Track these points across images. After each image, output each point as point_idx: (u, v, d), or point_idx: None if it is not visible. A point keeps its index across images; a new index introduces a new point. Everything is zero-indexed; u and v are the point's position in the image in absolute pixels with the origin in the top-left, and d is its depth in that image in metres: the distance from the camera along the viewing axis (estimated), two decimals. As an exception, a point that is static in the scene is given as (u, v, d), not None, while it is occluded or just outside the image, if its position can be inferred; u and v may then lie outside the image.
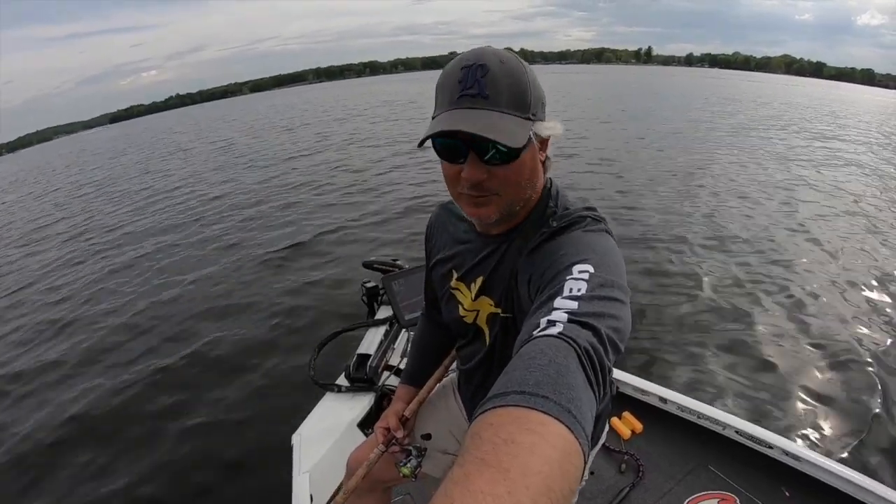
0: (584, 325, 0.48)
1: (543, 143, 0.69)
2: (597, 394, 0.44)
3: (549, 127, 0.66)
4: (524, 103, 0.62)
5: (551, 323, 0.48)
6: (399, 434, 0.94)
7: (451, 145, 0.63)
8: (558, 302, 0.52)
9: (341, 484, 1.14)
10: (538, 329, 0.48)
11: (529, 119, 0.62)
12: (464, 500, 0.30)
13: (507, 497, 0.31)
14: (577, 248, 0.61)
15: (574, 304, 0.51)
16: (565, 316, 0.49)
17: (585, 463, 0.38)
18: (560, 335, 0.46)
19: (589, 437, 0.39)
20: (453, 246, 0.86)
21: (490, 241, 0.77)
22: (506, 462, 0.33)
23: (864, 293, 3.62)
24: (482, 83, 0.59)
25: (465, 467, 0.33)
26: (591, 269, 0.56)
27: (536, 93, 0.64)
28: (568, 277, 0.55)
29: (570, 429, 0.37)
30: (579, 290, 0.53)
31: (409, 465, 0.92)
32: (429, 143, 0.63)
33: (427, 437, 0.99)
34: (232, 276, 4.80)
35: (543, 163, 0.72)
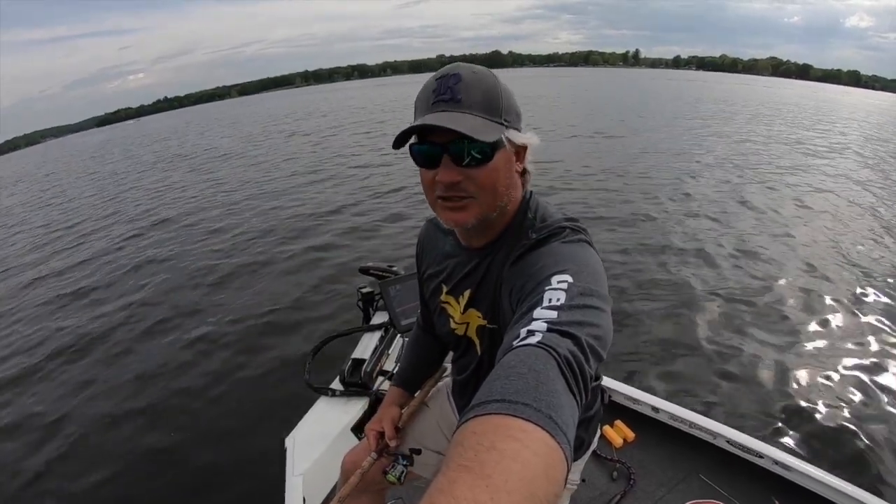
0: (564, 334, 0.49)
1: (519, 152, 0.71)
2: (578, 400, 0.45)
3: (524, 136, 0.70)
4: (495, 108, 0.65)
5: (531, 333, 0.49)
6: (393, 443, 0.96)
7: (426, 151, 0.66)
8: (538, 312, 0.52)
9: (335, 486, 1.15)
10: (518, 339, 0.49)
11: (501, 123, 0.66)
12: None
13: (490, 503, 0.31)
14: (555, 259, 0.62)
15: (553, 314, 0.52)
16: (545, 325, 0.50)
17: (569, 468, 0.39)
18: (539, 344, 0.47)
19: (571, 442, 0.40)
20: (442, 261, 0.87)
21: (474, 254, 0.79)
22: (488, 469, 0.33)
23: (860, 303, 3.60)
24: (455, 89, 0.64)
25: (447, 475, 0.34)
26: (570, 279, 0.57)
27: (508, 102, 0.67)
28: (547, 288, 0.56)
29: (551, 435, 0.38)
30: (558, 299, 0.54)
31: (394, 472, 0.94)
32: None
33: (417, 451, 1.00)
34: (226, 278, 4.78)
35: (522, 174, 0.74)
